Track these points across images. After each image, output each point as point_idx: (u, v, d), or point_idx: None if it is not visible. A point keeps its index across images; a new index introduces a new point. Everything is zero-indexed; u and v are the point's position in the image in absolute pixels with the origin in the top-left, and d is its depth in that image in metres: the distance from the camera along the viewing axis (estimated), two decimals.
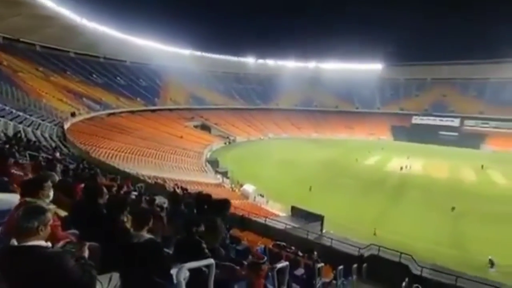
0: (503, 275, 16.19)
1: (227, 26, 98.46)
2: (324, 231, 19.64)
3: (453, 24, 76.39)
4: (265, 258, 3.75)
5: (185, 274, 2.17)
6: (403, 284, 8.35)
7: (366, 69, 79.87)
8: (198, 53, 77.59)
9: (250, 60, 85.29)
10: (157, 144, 39.76)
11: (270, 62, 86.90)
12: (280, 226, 15.72)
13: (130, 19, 60.05)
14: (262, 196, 28.46)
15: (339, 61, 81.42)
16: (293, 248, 8.28)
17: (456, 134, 65.52)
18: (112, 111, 47.08)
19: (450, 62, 70.44)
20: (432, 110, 71.70)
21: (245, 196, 28.44)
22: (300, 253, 7.49)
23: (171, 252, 2.97)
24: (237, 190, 30.46)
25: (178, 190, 13.10)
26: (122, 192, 7.24)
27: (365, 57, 75.50)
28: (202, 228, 2.97)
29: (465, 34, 75.60)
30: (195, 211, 4.61)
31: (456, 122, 67.74)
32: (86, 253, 1.97)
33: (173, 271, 2.25)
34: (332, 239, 14.16)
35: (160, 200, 9.97)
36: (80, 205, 3.23)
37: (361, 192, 30.61)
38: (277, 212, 24.08)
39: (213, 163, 39.67)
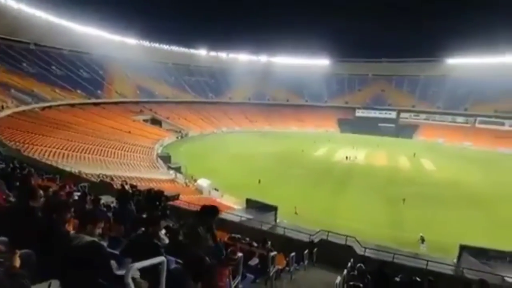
0: (431, 249, 18.50)
1: (177, 16, 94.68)
2: (278, 221, 20.34)
3: (391, 26, 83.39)
4: (241, 255, 3.85)
5: (134, 274, 2.09)
6: (349, 264, 9.05)
7: (315, 64, 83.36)
8: (147, 43, 73.33)
9: (201, 52, 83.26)
10: (102, 140, 37.00)
11: (222, 55, 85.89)
12: (235, 219, 15.87)
13: (66, 2, 54.24)
14: (217, 190, 28.34)
15: (289, 56, 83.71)
16: (247, 239, 8.43)
17: (393, 125, 72.18)
18: (47, 104, 42.43)
19: (388, 60, 76.83)
20: (372, 103, 77.74)
21: (199, 191, 28.07)
22: (255, 244, 7.66)
23: (118, 252, 2.82)
24: (191, 185, 29.90)
25: (127, 187, 12.42)
26: (64, 192, 6.64)
27: (313, 53, 78.84)
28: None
29: (402, 35, 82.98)
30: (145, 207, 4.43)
31: (393, 115, 74.59)
32: (18, 262, 1.78)
33: (122, 272, 2.14)
34: (285, 228, 14.68)
35: (107, 199, 9.36)
36: (9, 209, 2.89)
37: (311, 182, 32.18)
38: (232, 206, 24.23)
39: (165, 158, 38.28)
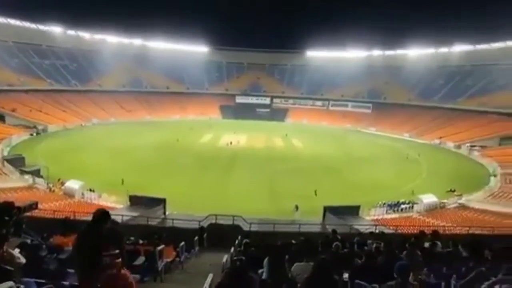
0: (303, 214, 21.94)
1: None
2: (167, 213, 19.81)
3: (263, 16, 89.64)
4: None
5: None
6: (236, 241, 9.83)
7: (194, 50, 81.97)
8: None
9: (56, 30, 68.72)
10: None
11: (85, 35, 73.49)
12: (117, 219, 14.54)
13: None
14: (92, 191, 24.97)
15: (166, 41, 79.01)
16: (132, 238, 7.97)
17: (268, 110, 79.94)
18: None
19: (261, 50, 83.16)
20: (250, 90, 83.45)
21: (69, 194, 24.09)
22: (141, 241, 7.34)
23: None
24: (57, 190, 25.29)
25: None
26: None
27: (192, 39, 76.94)
28: None
29: (271, 28, 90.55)
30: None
31: (267, 101, 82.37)
32: None
33: None
34: (173, 219, 14.51)
35: None
36: None
37: (199, 169, 32.48)
38: (113, 205, 22.07)
39: (16, 161, 30.69)
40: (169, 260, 6.94)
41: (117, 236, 3.55)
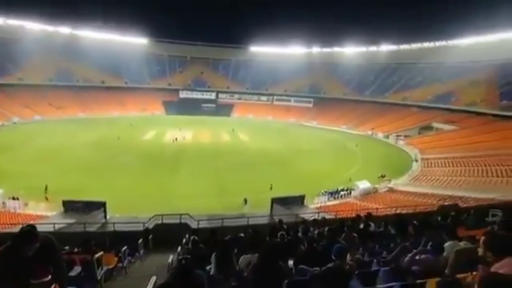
0: (252, 207, 22.36)
1: None
2: (108, 217, 18.48)
3: (204, 10, 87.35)
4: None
5: None
6: (184, 240, 9.57)
7: (131, 42, 76.49)
8: None
9: None
10: None
11: None
12: (48, 228, 13.09)
13: None
14: (16, 199, 21.98)
15: (99, 30, 72.02)
16: (66, 248, 7.26)
17: (214, 105, 78.86)
18: None
19: (204, 44, 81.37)
20: (194, 85, 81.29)
21: None
22: (76, 250, 6.73)
23: None
24: None
25: None
26: None
27: (129, 29, 71.57)
28: None
29: (213, 21, 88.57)
30: None
31: (213, 96, 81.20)
32: None
33: None
34: (114, 223, 13.59)
35: None
36: None
37: (143, 168, 30.84)
38: (43, 213, 19.83)
39: None
40: (110, 267, 6.49)
41: (50, 253, 2.91)
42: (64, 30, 69.71)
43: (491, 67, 53.99)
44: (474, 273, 2.46)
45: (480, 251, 2.06)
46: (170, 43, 79.58)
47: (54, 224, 13.51)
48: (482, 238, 2.11)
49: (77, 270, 4.97)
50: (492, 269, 1.84)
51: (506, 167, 28.90)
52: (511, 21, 47.32)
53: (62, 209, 19.52)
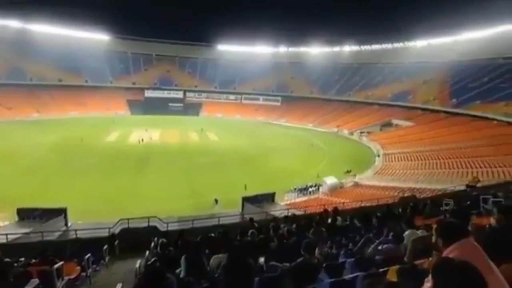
0: (223, 206, 22.22)
1: None
2: (70, 224, 17.40)
3: (166, 7, 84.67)
4: None
5: None
6: (152, 244, 9.28)
7: (91, 38, 72.20)
8: None
9: None
10: None
11: None
12: (2, 239, 12.04)
13: None
14: None
15: (54, 25, 66.93)
16: (22, 260, 6.74)
17: (181, 105, 77.10)
18: None
19: (169, 41, 79.14)
20: (160, 84, 78.90)
21: None
22: (33, 261, 6.27)
23: None
24: None
25: None
26: None
27: (87, 25, 67.29)
28: None
29: (181, 19, 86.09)
30: None
31: (180, 94, 79.34)
32: None
33: None
34: (76, 230, 12.83)
35: None
36: None
37: (107, 171, 29.37)
38: None
39: None
40: (72, 277, 6.12)
41: None
42: (13, 24, 63.97)
43: (442, 67, 58.50)
44: (430, 259, 2.68)
45: (433, 238, 2.24)
46: (133, 40, 76.52)
47: (6, 234, 12.40)
48: (434, 226, 2.29)
49: (34, 283, 4.62)
50: (444, 254, 1.99)
51: (457, 159, 31.53)
52: (462, 23, 51.58)
53: (16, 218, 18.00)
